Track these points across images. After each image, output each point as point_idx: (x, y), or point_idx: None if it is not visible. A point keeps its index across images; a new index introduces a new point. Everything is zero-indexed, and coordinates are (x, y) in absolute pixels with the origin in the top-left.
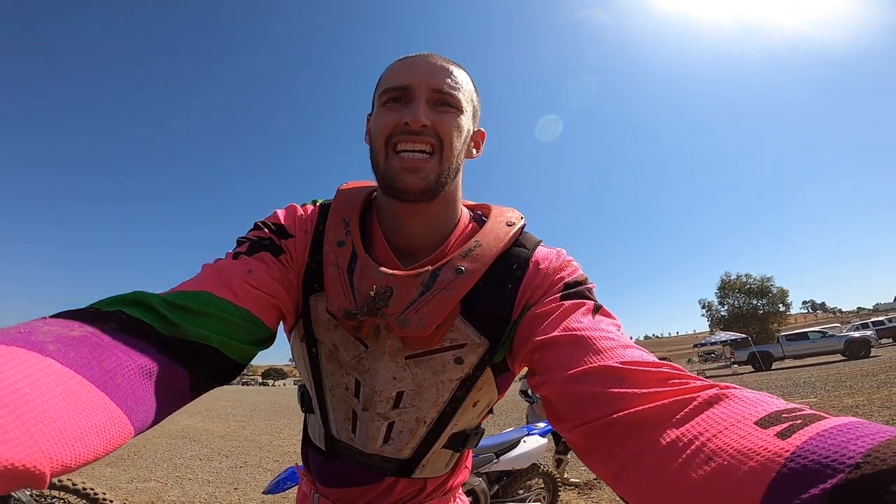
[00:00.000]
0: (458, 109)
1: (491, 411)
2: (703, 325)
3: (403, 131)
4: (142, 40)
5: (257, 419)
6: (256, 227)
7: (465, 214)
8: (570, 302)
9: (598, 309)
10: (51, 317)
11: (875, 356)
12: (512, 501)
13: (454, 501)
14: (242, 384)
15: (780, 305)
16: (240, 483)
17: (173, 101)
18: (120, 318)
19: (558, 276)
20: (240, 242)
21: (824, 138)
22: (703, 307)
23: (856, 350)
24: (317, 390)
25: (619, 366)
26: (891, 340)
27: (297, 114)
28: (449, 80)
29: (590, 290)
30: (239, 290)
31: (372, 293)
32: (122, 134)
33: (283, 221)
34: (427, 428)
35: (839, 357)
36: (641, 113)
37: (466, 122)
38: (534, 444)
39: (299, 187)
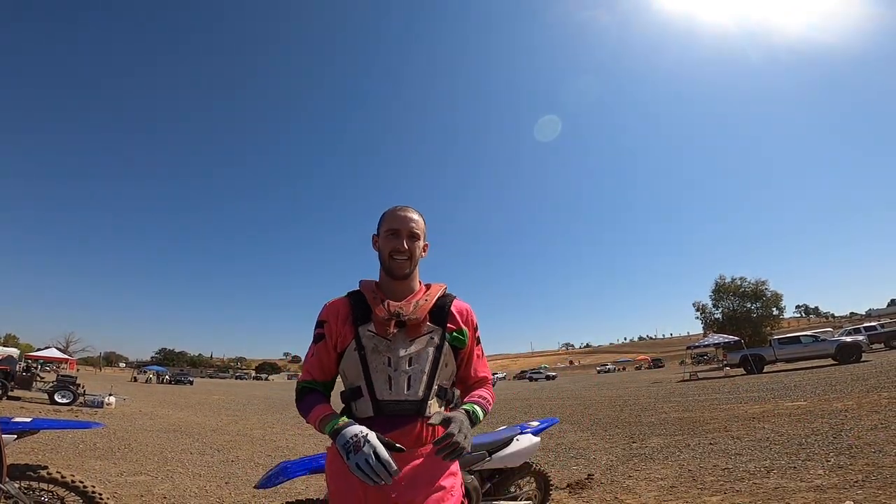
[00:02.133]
0: (418, 238)
1: (454, 385)
2: (696, 328)
3: (397, 250)
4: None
5: (250, 413)
6: (315, 326)
7: (421, 285)
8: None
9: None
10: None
11: (866, 361)
12: (504, 499)
13: None
14: (236, 378)
15: (774, 309)
16: (231, 477)
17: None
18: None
19: (472, 318)
20: (314, 339)
21: (821, 143)
22: (697, 310)
23: (847, 355)
24: (364, 374)
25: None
26: (882, 346)
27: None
28: (413, 225)
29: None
30: (314, 371)
31: (394, 311)
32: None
33: (320, 318)
34: (427, 377)
35: (830, 361)
36: (640, 115)
37: (421, 243)
38: (526, 442)
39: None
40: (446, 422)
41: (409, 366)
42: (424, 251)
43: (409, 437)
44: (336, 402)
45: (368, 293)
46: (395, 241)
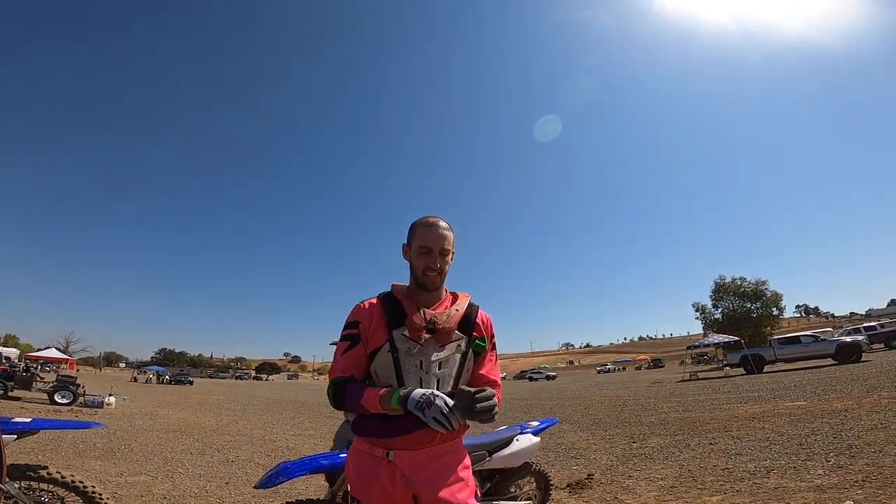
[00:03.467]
0: (449, 253)
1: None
2: (696, 328)
3: (430, 268)
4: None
5: (250, 413)
6: (345, 326)
7: (448, 294)
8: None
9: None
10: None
11: (866, 361)
12: (504, 499)
13: (461, 439)
14: (236, 378)
15: (774, 309)
16: (231, 477)
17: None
18: (345, 381)
19: (491, 327)
20: (344, 338)
21: (821, 143)
22: (697, 310)
23: (847, 355)
24: (397, 375)
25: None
26: (882, 346)
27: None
28: (445, 242)
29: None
30: (351, 369)
31: (430, 318)
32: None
33: (352, 318)
34: (453, 380)
35: (830, 361)
36: (640, 115)
37: (450, 258)
38: (526, 442)
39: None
40: (472, 397)
41: (438, 369)
42: (452, 261)
43: (435, 434)
44: None
45: (404, 299)
46: (428, 259)
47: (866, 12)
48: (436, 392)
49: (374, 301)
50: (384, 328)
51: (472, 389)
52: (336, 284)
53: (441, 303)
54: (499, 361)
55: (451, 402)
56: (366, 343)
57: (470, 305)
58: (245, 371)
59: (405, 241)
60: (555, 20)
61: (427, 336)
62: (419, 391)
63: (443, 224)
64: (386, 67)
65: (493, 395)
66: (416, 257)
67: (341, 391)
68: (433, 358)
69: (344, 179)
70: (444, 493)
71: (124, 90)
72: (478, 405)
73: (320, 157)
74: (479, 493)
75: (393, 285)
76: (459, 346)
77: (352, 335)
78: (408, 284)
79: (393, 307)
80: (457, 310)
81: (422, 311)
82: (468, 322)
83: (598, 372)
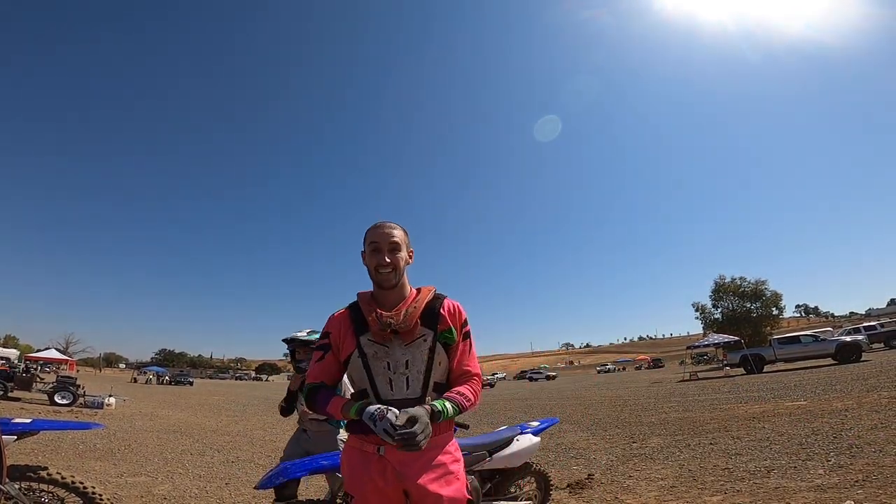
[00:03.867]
0: (398, 249)
1: (448, 379)
2: (696, 328)
3: (380, 264)
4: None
5: (250, 414)
6: (320, 336)
7: (412, 290)
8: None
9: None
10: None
11: (866, 360)
12: (504, 500)
13: (451, 433)
14: (236, 378)
15: (774, 309)
16: (231, 478)
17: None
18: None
19: (461, 314)
20: (317, 348)
21: (821, 143)
22: (697, 310)
23: (847, 354)
24: (368, 378)
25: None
26: (882, 345)
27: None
28: (392, 239)
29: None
30: (322, 376)
31: (386, 321)
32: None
33: (325, 329)
34: (423, 376)
35: (830, 361)
36: (640, 115)
37: (403, 253)
38: (526, 442)
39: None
40: (411, 420)
41: (406, 368)
42: (410, 258)
43: None
44: None
45: (364, 305)
46: (378, 256)
47: (866, 12)
48: (391, 408)
49: (343, 311)
50: (352, 336)
51: (401, 422)
52: (336, 284)
53: (405, 301)
54: (474, 350)
55: (402, 418)
56: (337, 352)
57: (435, 297)
58: (245, 371)
59: (362, 250)
60: (555, 20)
61: (392, 336)
62: (373, 407)
63: (390, 223)
64: (387, 70)
65: (420, 431)
66: (368, 257)
67: (313, 397)
68: (399, 357)
69: (343, 180)
70: (432, 487)
71: (126, 92)
72: (397, 435)
73: (320, 157)
74: (479, 490)
75: (358, 294)
76: (425, 340)
77: (324, 345)
78: (372, 291)
79: (358, 315)
80: (415, 306)
81: (378, 314)
82: (432, 314)
83: (598, 372)
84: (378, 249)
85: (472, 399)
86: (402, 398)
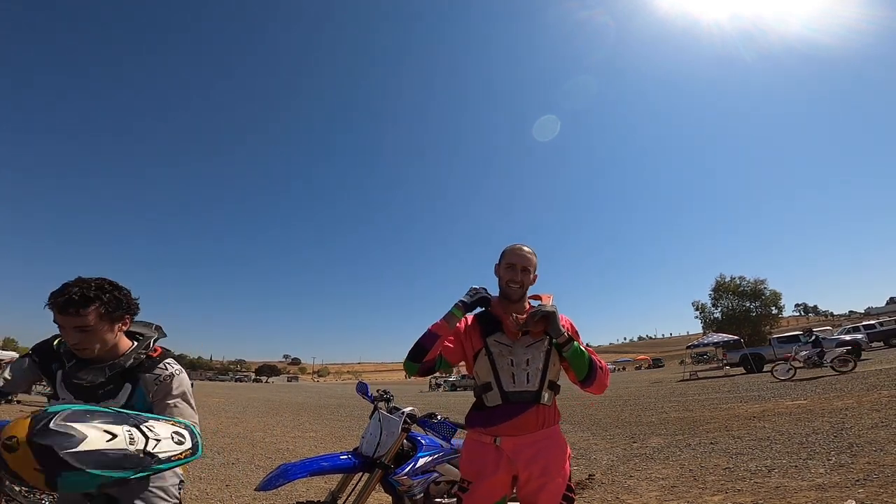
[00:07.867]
0: (529, 272)
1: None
2: (696, 327)
3: (512, 280)
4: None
5: (250, 416)
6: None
7: (529, 305)
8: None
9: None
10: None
11: (866, 359)
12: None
13: (558, 425)
14: (236, 380)
15: (773, 308)
16: (231, 480)
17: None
18: None
19: (572, 327)
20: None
21: (821, 143)
22: (697, 309)
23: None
24: (494, 373)
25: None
26: (882, 344)
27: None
28: (527, 262)
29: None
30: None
31: (521, 322)
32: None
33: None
34: (541, 373)
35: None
36: (639, 114)
37: (531, 276)
38: None
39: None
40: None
41: (527, 365)
42: (534, 281)
43: (530, 419)
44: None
45: (496, 308)
46: (511, 273)
47: (863, 12)
48: (484, 287)
49: (470, 318)
50: (479, 335)
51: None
52: (336, 287)
53: (525, 312)
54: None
55: (490, 294)
56: (463, 339)
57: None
58: (245, 373)
59: (496, 262)
60: (555, 19)
61: (520, 336)
62: (474, 288)
63: (528, 249)
64: (388, 75)
65: (546, 309)
66: (502, 270)
67: (416, 346)
68: (522, 356)
69: (344, 189)
70: (537, 474)
71: (127, 102)
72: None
73: (320, 158)
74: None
75: (490, 300)
76: (544, 343)
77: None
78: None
79: (485, 317)
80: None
81: (513, 316)
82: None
83: None
84: (513, 267)
85: (603, 365)
86: (523, 389)
